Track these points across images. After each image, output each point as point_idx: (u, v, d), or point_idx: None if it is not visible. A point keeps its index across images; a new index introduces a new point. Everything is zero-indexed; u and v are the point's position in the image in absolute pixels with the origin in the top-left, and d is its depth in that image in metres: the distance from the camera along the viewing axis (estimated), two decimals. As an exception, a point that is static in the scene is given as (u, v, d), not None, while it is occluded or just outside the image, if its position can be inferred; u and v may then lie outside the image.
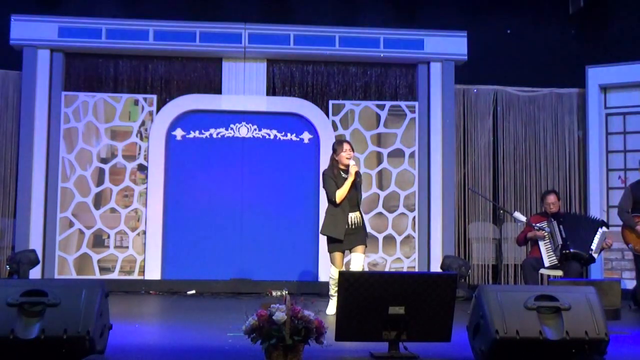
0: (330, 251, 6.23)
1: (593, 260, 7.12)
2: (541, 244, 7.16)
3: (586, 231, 7.03)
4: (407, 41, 8.74)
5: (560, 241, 7.04)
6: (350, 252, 6.25)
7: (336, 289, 5.97)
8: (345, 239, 6.16)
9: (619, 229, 7.34)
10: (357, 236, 6.21)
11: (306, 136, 8.76)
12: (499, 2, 9.20)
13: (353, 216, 6.21)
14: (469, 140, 9.07)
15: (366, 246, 6.33)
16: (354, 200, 6.23)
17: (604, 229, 7.09)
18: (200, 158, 8.65)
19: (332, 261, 6.23)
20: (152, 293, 8.25)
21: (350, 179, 6.17)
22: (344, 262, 6.45)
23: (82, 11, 8.62)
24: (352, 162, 6.21)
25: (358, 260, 6.19)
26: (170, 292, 8.26)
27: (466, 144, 9.05)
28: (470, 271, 8.39)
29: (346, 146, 6.26)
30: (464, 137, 9.06)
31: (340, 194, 6.15)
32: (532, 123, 9.14)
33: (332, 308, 6.05)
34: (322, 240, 8.22)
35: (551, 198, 7.33)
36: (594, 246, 6.98)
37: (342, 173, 6.24)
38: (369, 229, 8.40)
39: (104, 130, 8.58)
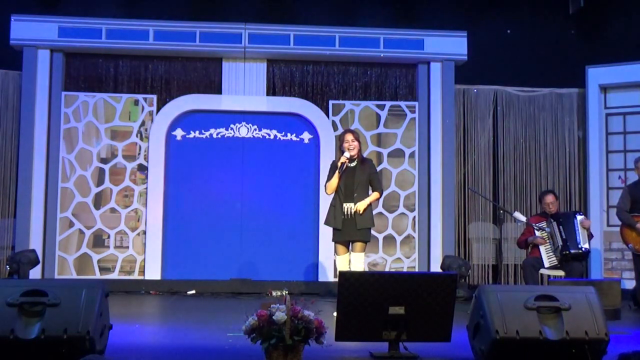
0: (332, 240, 6.36)
1: (587, 252, 7.15)
2: (541, 246, 7.17)
3: (571, 228, 7.06)
4: (407, 41, 8.74)
5: (560, 242, 7.05)
6: (350, 251, 6.27)
7: None
8: (343, 229, 6.19)
9: (618, 229, 7.36)
10: (354, 229, 6.16)
11: (306, 136, 8.77)
12: (499, 2, 9.21)
13: (347, 206, 6.20)
14: (469, 140, 9.07)
15: (366, 242, 6.25)
16: (349, 190, 6.21)
17: (578, 216, 7.12)
18: (200, 158, 8.65)
19: (335, 250, 6.38)
20: (152, 293, 8.25)
21: (338, 170, 6.21)
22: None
23: (82, 11, 8.62)
24: (345, 154, 6.21)
25: (357, 261, 6.18)
26: (170, 292, 8.26)
27: (466, 144, 9.05)
28: (470, 271, 8.38)
29: (348, 136, 6.27)
30: (464, 137, 9.06)
31: (328, 184, 6.25)
32: (532, 123, 9.14)
33: None
34: (322, 240, 8.27)
35: (549, 198, 7.34)
36: (580, 238, 7.00)
37: (347, 162, 6.26)
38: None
39: (104, 130, 8.58)
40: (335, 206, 6.25)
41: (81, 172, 8.49)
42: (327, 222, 6.36)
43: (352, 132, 6.37)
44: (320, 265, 8.47)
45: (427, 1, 9.23)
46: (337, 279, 6.18)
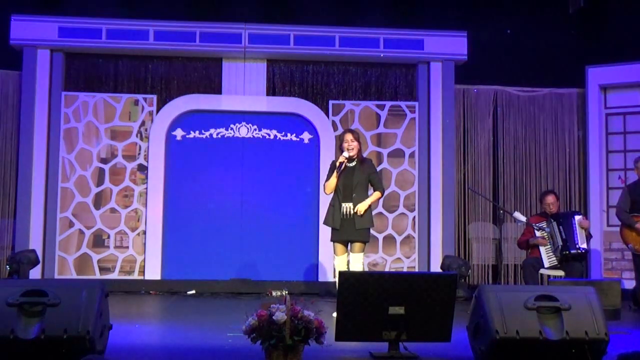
0: (331, 240, 6.31)
1: (586, 252, 7.17)
2: (541, 246, 7.17)
3: (569, 229, 7.06)
4: (407, 41, 8.74)
5: (560, 242, 7.05)
6: (348, 252, 6.25)
7: None
8: (341, 229, 6.15)
9: (618, 229, 7.36)
10: (353, 229, 6.12)
11: (306, 136, 8.77)
12: (499, 2, 9.20)
13: (345, 206, 6.15)
14: (469, 140, 9.06)
15: (365, 242, 6.19)
16: (348, 190, 6.16)
17: (576, 216, 7.13)
18: (200, 158, 8.65)
19: (334, 250, 6.33)
20: (152, 293, 8.25)
21: (336, 170, 6.17)
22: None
23: (82, 11, 8.61)
24: (344, 154, 6.18)
25: (356, 261, 6.14)
26: (170, 292, 8.26)
27: (466, 144, 9.05)
28: (470, 271, 8.38)
29: (347, 136, 6.23)
30: (464, 137, 9.05)
31: (327, 184, 6.23)
32: (532, 123, 9.14)
33: None
34: (322, 240, 8.27)
35: (550, 198, 7.34)
36: (577, 239, 7.01)
37: (347, 162, 6.21)
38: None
39: (104, 130, 8.58)
40: (334, 206, 6.23)
41: (81, 172, 8.49)
42: (326, 222, 6.34)
43: (352, 132, 6.32)
44: (320, 266, 8.47)
45: (427, 1, 9.22)
46: (337, 279, 6.22)
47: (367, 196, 6.23)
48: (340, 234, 6.19)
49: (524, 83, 9.18)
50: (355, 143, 6.21)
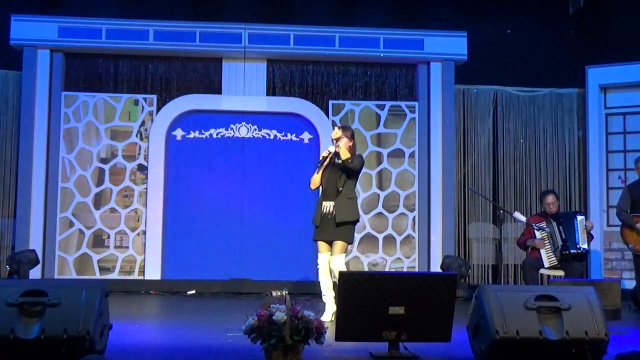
0: (312, 239, 6.14)
1: (586, 252, 7.18)
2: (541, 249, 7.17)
3: (570, 229, 7.06)
4: (407, 41, 8.74)
5: (560, 242, 7.05)
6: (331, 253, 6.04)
7: (325, 285, 5.93)
8: (320, 228, 5.98)
9: (618, 229, 7.36)
10: (332, 227, 5.91)
11: (306, 136, 8.77)
12: (499, 2, 9.20)
13: (326, 205, 5.98)
14: (469, 140, 9.06)
15: (346, 242, 5.92)
16: (331, 188, 5.99)
17: (578, 217, 7.13)
18: (200, 158, 8.65)
19: (318, 248, 6.13)
20: (152, 293, 8.25)
21: (320, 164, 6.06)
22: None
23: (82, 11, 8.61)
24: (330, 148, 6.04)
25: (337, 263, 5.88)
26: (170, 292, 8.26)
27: (466, 144, 9.05)
28: (470, 271, 8.39)
29: (333, 133, 6.09)
30: (464, 137, 9.05)
31: (311, 179, 6.11)
32: (532, 123, 9.14)
33: (327, 314, 5.84)
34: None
35: (550, 198, 7.34)
36: (579, 239, 7.01)
37: (335, 158, 6.01)
38: (368, 229, 8.45)
39: (104, 130, 8.58)
40: (319, 202, 6.08)
41: (81, 172, 8.49)
42: (312, 220, 6.15)
43: (342, 127, 6.14)
44: (320, 265, 8.46)
45: (427, 1, 9.22)
46: (320, 280, 6.16)
47: (353, 190, 6.03)
48: (320, 233, 6.00)
49: (524, 83, 9.18)
50: (336, 138, 6.00)
